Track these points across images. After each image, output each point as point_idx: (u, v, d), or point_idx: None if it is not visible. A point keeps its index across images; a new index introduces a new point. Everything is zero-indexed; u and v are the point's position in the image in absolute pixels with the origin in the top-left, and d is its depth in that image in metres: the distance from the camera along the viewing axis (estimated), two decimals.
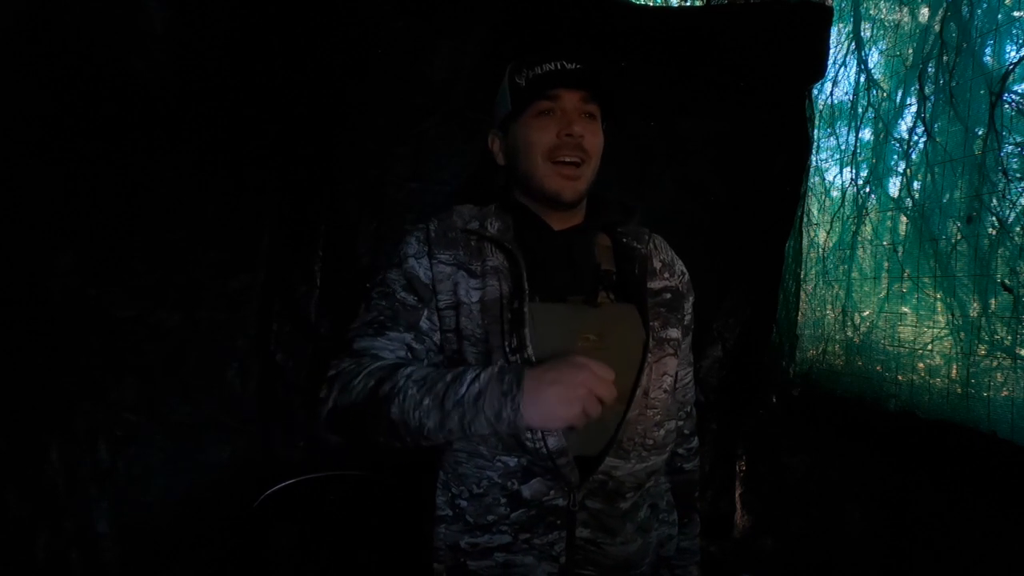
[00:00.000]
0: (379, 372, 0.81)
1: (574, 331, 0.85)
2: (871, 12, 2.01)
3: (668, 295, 0.95)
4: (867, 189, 2.02)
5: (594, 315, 0.87)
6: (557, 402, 0.70)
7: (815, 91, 2.15)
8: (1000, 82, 1.48)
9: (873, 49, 2.02)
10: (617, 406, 0.83)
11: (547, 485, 0.83)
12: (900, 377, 1.80)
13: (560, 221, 0.93)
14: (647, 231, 1.00)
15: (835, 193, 2.20)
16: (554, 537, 0.84)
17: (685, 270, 1.02)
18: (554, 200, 0.88)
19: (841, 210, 2.11)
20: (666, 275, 0.97)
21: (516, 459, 0.84)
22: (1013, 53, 1.51)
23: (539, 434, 0.81)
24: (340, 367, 0.85)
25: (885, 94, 1.95)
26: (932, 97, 1.73)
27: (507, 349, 0.83)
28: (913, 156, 1.82)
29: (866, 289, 2.01)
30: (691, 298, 1.02)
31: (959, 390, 1.59)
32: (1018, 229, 1.46)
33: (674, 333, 0.93)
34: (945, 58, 1.66)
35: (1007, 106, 1.48)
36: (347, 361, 0.86)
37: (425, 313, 0.88)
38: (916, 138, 1.81)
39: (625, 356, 0.86)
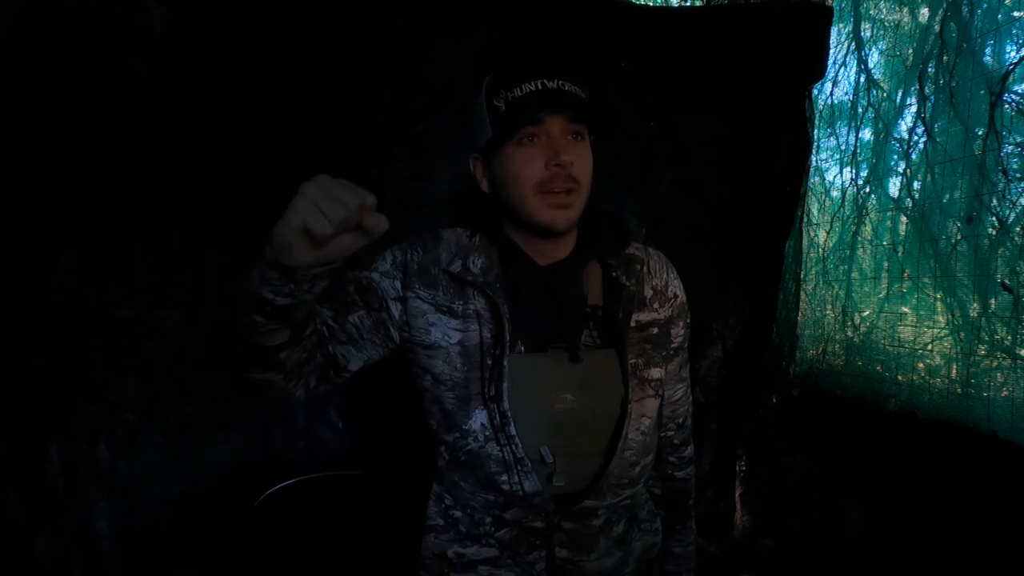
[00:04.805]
0: None
1: (552, 388, 0.85)
2: (871, 12, 2.01)
3: (655, 329, 0.93)
4: (867, 189, 2.02)
5: (574, 371, 0.85)
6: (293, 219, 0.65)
7: (815, 91, 2.14)
8: (1000, 82, 1.48)
9: (873, 49, 2.02)
10: (595, 459, 0.87)
11: (525, 512, 0.87)
12: (900, 377, 1.80)
13: (548, 253, 0.89)
14: (643, 252, 0.96)
15: (835, 193, 2.20)
16: (535, 557, 0.88)
17: (680, 291, 0.99)
18: (546, 231, 0.85)
19: (841, 210, 2.11)
20: (656, 305, 0.94)
21: (494, 496, 0.87)
22: (1013, 53, 1.51)
23: (515, 477, 0.84)
24: None
25: (885, 94, 1.95)
26: (932, 97, 1.73)
27: (486, 397, 0.84)
28: (913, 156, 1.82)
29: (866, 289, 2.02)
30: (683, 321, 0.99)
31: (959, 390, 1.59)
32: (1018, 229, 1.46)
33: (657, 373, 0.92)
34: (945, 58, 1.66)
35: (1007, 106, 1.48)
36: None
37: (359, 313, 0.87)
38: (916, 138, 1.81)
39: (603, 412, 0.87)
